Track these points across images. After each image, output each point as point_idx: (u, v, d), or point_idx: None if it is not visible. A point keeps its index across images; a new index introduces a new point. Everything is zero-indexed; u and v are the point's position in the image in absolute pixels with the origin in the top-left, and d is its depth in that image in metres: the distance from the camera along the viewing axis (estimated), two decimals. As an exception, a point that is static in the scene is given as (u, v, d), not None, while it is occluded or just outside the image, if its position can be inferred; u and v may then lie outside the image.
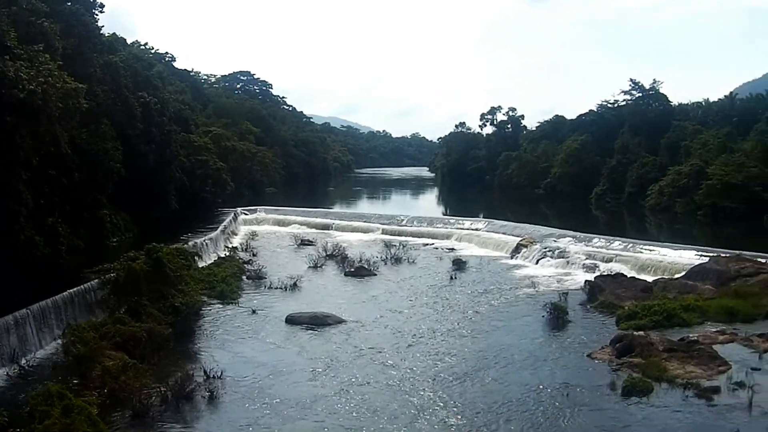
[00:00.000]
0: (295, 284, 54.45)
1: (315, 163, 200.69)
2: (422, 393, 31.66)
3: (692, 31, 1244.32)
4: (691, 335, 40.54)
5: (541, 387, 32.84)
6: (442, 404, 30.35)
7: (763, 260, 55.75)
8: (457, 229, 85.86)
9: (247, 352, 38.36)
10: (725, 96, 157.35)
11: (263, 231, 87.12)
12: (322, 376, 34.11)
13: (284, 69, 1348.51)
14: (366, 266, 61.79)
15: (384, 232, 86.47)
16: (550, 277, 60.63)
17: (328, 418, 29.04)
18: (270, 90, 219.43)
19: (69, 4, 59.62)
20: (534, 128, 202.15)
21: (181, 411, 29.70)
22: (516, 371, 35.27)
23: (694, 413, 29.82)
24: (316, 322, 43.74)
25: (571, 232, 74.92)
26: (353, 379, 33.49)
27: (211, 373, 33.24)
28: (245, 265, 61.83)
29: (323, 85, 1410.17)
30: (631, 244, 68.14)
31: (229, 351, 38.46)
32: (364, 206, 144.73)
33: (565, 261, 65.55)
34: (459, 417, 29.06)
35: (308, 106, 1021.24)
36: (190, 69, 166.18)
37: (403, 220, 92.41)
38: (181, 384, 30.78)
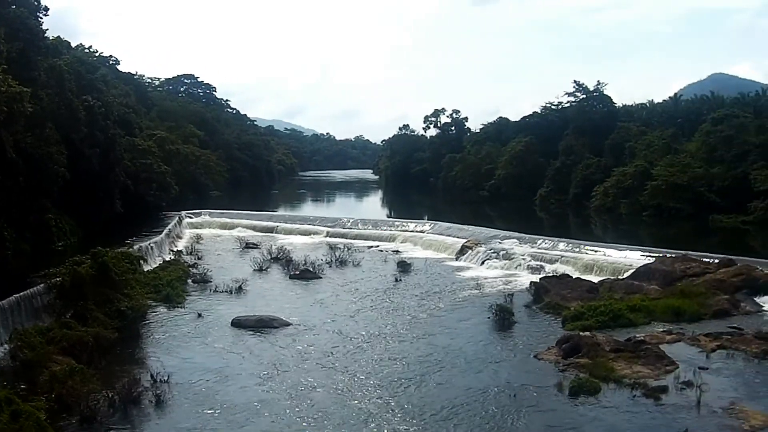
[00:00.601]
0: (240, 287, 54.08)
1: (259, 166, 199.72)
2: (370, 398, 31.30)
3: (637, 32, 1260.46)
4: (637, 335, 40.76)
5: (488, 389, 32.64)
6: (390, 409, 29.98)
7: (709, 260, 56.44)
8: (402, 231, 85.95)
9: (194, 356, 37.98)
10: (670, 97, 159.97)
11: (208, 234, 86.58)
12: (268, 380, 33.71)
13: (228, 72, 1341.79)
14: (311, 269, 61.62)
15: (329, 234, 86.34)
16: (495, 278, 60.59)
17: (275, 424, 28.68)
18: (214, 93, 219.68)
19: (14, 7, 59.16)
20: (478, 130, 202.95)
21: (128, 415, 29.46)
22: (463, 374, 35.06)
23: (642, 413, 29.82)
24: (262, 325, 43.57)
25: (516, 234, 75.20)
26: (300, 384, 33.07)
27: (158, 377, 32.95)
28: (190, 269, 61.46)
29: (267, 88, 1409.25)
30: (576, 245, 68.61)
31: (176, 355, 38.12)
32: (309, 209, 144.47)
33: (510, 262, 65.53)
34: (407, 422, 28.66)
35: (252, 109, 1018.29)
36: (134, 72, 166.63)
37: (347, 222, 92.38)
38: (129, 388, 30.58)
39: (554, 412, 30.21)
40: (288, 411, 29.79)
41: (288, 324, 44.04)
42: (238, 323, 43.93)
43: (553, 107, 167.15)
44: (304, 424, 28.61)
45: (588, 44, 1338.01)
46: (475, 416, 29.34)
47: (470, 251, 70.68)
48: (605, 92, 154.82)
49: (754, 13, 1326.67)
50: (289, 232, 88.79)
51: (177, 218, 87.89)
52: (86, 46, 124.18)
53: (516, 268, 64.17)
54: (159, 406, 30.34)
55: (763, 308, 48.74)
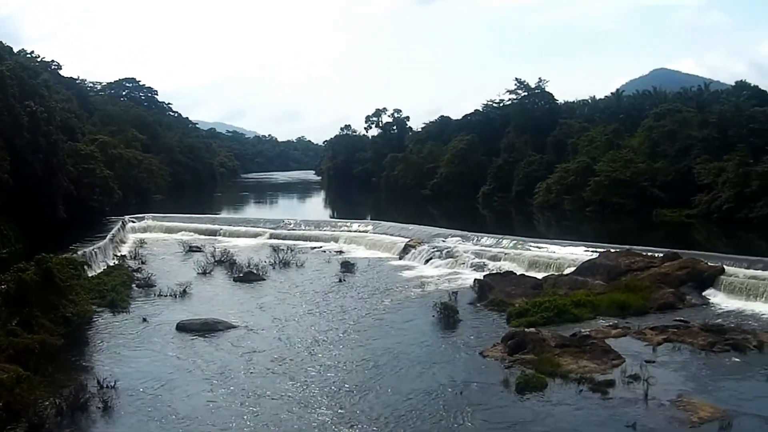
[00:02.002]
0: (184, 291, 53.65)
1: (201, 169, 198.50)
2: (317, 405, 30.89)
3: (578, 30, 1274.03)
4: (583, 330, 41.13)
5: (435, 389, 32.55)
6: (338, 415, 29.63)
7: (654, 254, 56.98)
8: (345, 231, 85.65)
9: (140, 361, 37.51)
10: (612, 93, 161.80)
11: (151, 238, 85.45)
12: (215, 387, 33.27)
13: (169, 75, 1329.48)
14: (255, 271, 61.35)
15: (272, 236, 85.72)
16: (439, 277, 60.61)
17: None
18: (155, 96, 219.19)
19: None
20: (420, 129, 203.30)
21: (76, 422, 29.03)
22: (410, 374, 34.90)
23: (590, 407, 29.99)
24: (207, 328, 43.24)
25: (459, 232, 75.49)
26: (246, 390, 32.65)
27: (105, 384, 32.53)
28: (134, 273, 60.80)
29: (208, 91, 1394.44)
30: (519, 242, 68.84)
31: (122, 360, 37.62)
32: (252, 211, 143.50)
33: (453, 261, 65.53)
34: (355, 426, 28.41)
35: (194, 112, 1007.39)
36: (76, 77, 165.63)
37: (290, 223, 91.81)
38: (76, 395, 30.22)
39: (502, 408, 30.20)
40: (234, 418, 29.37)
41: (233, 327, 43.76)
42: (183, 327, 43.51)
43: (494, 105, 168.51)
44: (249, 429, 28.30)
45: (530, 42, 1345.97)
46: (423, 418, 29.15)
47: (413, 250, 70.61)
48: (547, 89, 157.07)
49: (697, 9, 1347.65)
50: (233, 235, 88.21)
51: (120, 223, 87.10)
52: (28, 52, 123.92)
53: (459, 266, 64.22)
54: (106, 413, 30.00)
55: (709, 301, 49.45)
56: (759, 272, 51.23)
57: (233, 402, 31.17)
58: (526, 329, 39.80)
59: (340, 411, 29.96)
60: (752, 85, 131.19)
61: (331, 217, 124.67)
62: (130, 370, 35.81)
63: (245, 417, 29.39)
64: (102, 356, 38.67)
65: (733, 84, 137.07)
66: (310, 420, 29.07)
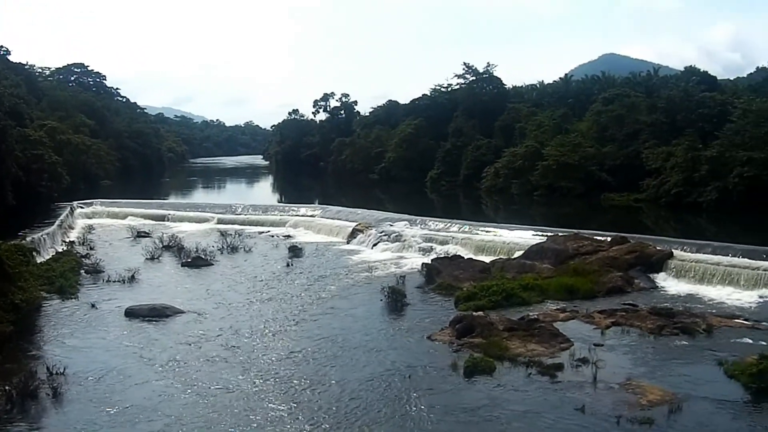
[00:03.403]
0: (133, 277, 53.33)
1: (149, 154, 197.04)
2: (266, 393, 30.42)
3: (528, 14, 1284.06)
4: (531, 314, 41.21)
5: (384, 375, 32.35)
6: (285, 402, 29.22)
7: (601, 238, 57.29)
8: (293, 215, 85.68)
9: (89, 347, 37.08)
10: (560, 78, 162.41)
11: (100, 224, 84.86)
12: (166, 374, 32.80)
13: (117, 60, 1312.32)
14: (203, 256, 61.11)
15: (220, 221, 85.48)
16: (386, 261, 60.60)
17: (173, 420, 27.86)
18: (104, 82, 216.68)
19: None
20: (367, 114, 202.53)
21: (26, 409, 28.65)
22: (358, 359, 34.67)
23: (539, 390, 29.98)
24: (155, 314, 42.97)
25: (407, 216, 75.38)
26: (197, 379, 32.03)
27: (54, 370, 32.17)
28: (83, 259, 60.24)
29: (156, 76, 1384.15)
30: (467, 226, 68.93)
31: (71, 346, 37.21)
32: (200, 196, 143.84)
33: (401, 245, 65.51)
34: (307, 417, 28.02)
35: (142, 97, 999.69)
36: (24, 62, 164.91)
37: (238, 208, 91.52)
38: (25, 382, 29.86)
39: (450, 393, 30.08)
40: (187, 408, 28.88)
41: (181, 312, 43.51)
42: (131, 313, 43.23)
43: (442, 89, 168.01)
44: (199, 421, 27.81)
45: (480, 27, 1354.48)
46: (373, 404, 28.86)
47: (361, 234, 70.61)
48: (495, 74, 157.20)
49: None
50: (181, 220, 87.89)
51: (69, 209, 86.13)
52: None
53: (407, 250, 64.29)
54: (56, 400, 29.66)
55: (657, 285, 49.84)
56: (707, 256, 51.77)
57: (185, 392, 30.67)
58: (474, 313, 39.70)
59: (291, 401, 29.41)
60: (702, 70, 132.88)
61: (279, 202, 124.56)
62: (79, 356, 35.42)
63: (198, 407, 28.89)
64: (51, 343, 38.22)
65: (683, 69, 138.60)
66: (258, 408, 28.61)
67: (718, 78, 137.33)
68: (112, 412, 28.44)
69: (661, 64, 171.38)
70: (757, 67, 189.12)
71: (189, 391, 30.70)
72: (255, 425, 27.34)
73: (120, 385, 31.33)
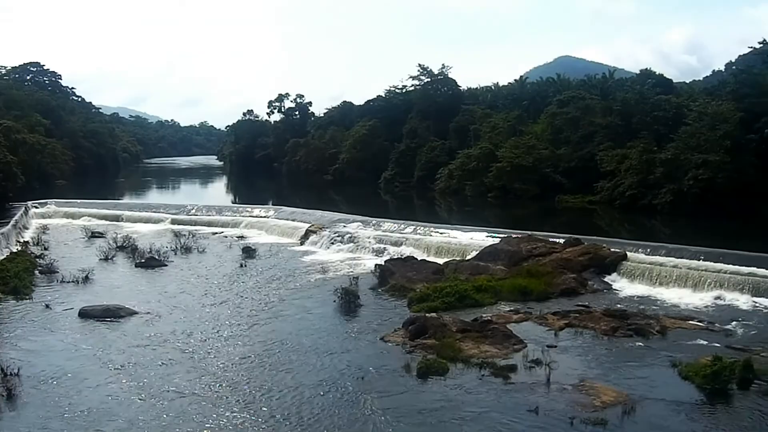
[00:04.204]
0: (87, 277, 52.92)
1: (104, 154, 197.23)
2: (219, 396, 30.06)
3: (484, 16, 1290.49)
4: (484, 315, 41.24)
5: (337, 376, 32.19)
6: (240, 408, 28.72)
7: (555, 240, 57.52)
8: (247, 216, 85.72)
9: (43, 348, 36.63)
10: (515, 80, 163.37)
11: (54, 224, 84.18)
12: (120, 377, 32.27)
13: (72, 60, 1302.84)
14: (156, 257, 60.99)
15: (173, 221, 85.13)
16: (340, 262, 60.55)
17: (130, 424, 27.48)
18: (59, 81, 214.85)
19: None
20: (322, 115, 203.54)
21: None
22: (310, 361, 34.40)
23: (492, 392, 29.90)
24: (109, 315, 42.66)
25: (361, 217, 75.49)
26: (152, 383, 31.49)
27: (8, 371, 31.74)
28: (37, 260, 59.83)
29: (112, 75, 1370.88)
30: (421, 228, 69.17)
31: (25, 347, 36.67)
32: (154, 196, 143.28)
33: (354, 246, 65.50)
34: (260, 421, 27.58)
35: (97, 97, 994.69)
36: None
37: (192, 209, 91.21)
38: None
39: (403, 394, 29.94)
40: (142, 413, 28.37)
41: (135, 313, 43.22)
42: (85, 314, 42.87)
43: (397, 91, 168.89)
44: (155, 425, 27.33)
45: (435, 28, 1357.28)
46: (327, 408, 28.50)
47: (314, 235, 70.38)
48: (450, 75, 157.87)
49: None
50: (135, 220, 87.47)
51: (23, 209, 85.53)
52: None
53: (361, 251, 64.34)
54: (10, 401, 29.23)
55: (611, 287, 50.08)
56: (662, 258, 52.34)
57: (140, 395, 30.18)
58: (427, 314, 39.66)
59: (246, 407, 28.87)
60: (657, 73, 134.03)
61: (233, 203, 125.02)
62: (34, 357, 34.91)
63: (153, 412, 28.43)
64: (5, 344, 37.56)
65: (638, 72, 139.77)
66: (217, 417, 28.10)
67: (674, 81, 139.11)
68: (66, 415, 28.04)
69: (617, 66, 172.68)
70: (713, 71, 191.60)
71: (144, 394, 30.26)
72: (201, 419, 27.21)
73: (75, 388, 30.92)
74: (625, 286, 50.09)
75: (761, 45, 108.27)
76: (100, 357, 35.20)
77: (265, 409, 28.64)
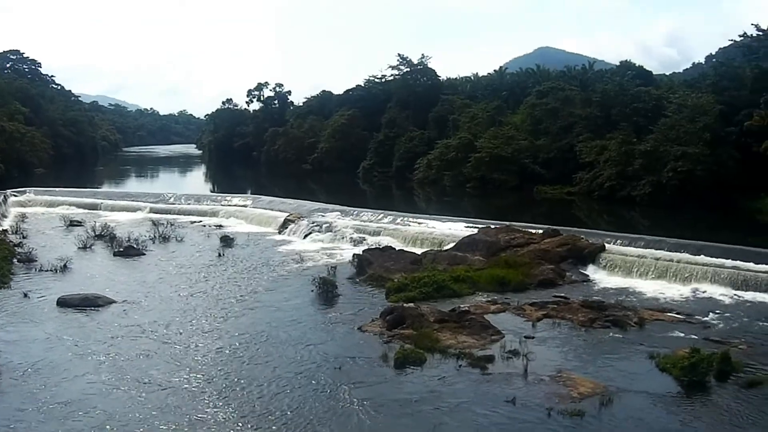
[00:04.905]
0: (65, 266, 52.65)
1: (84, 142, 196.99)
2: (198, 388, 29.83)
3: (464, 6, 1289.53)
4: (462, 306, 41.07)
5: (315, 366, 32.11)
6: (218, 400, 28.56)
7: (534, 231, 57.55)
8: (225, 205, 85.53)
9: (22, 338, 36.35)
10: (495, 71, 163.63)
11: (33, 213, 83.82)
12: (99, 368, 31.97)
13: (52, 48, 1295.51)
14: (135, 245, 60.57)
15: (152, 210, 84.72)
16: (318, 251, 60.41)
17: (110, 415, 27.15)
18: (39, 69, 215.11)
19: None
20: (301, 104, 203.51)
21: None
22: (288, 352, 34.23)
23: (469, 382, 29.91)
24: (88, 303, 42.47)
25: (339, 207, 75.45)
26: (132, 374, 31.12)
27: None
28: (16, 248, 59.40)
29: (92, 64, 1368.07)
30: (399, 217, 69.15)
31: (3, 336, 36.41)
32: (133, 185, 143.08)
33: (333, 235, 65.43)
34: (238, 413, 27.42)
35: (77, 85, 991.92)
36: None
37: (170, 198, 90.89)
38: None
39: (381, 384, 29.93)
40: (122, 405, 28.08)
41: (113, 302, 42.98)
42: (63, 302, 42.64)
43: (376, 81, 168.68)
44: (134, 418, 27.08)
45: (417, 19, 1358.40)
46: (305, 400, 28.32)
47: (293, 225, 70.27)
48: (430, 65, 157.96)
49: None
50: (113, 209, 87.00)
51: (2, 197, 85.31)
52: None
53: (339, 240, 64.22)
54: None
55: (589, 278, 50.11)
56: (640, 250, 52.38)
57: (118, 387, 29.90)
58: (404, 304, 39.59)
59: (225, 399, 28.67)
60: (637, 65, 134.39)
61: (211, 192, 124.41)
62: (12, 347, 34.66)
63: (132, 404, 28.15)
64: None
65: (618, 64, 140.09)
66: (195, 410, 27.85)
67: (654, 73, 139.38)
68: (45, 407, 27.74)
69: (598, 58, 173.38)
70: (693, 63, 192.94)
71: (123, 386, 29.96)
72: (189, 424, 26.76)
73: (53, 379, 30.64)
74: (603, 278, 50.12)
75: (742, 38, 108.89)
76: (78, 347, 34.95)
77: (243, 402, 28.41)
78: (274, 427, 26.26)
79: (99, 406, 27.87)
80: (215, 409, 27.73)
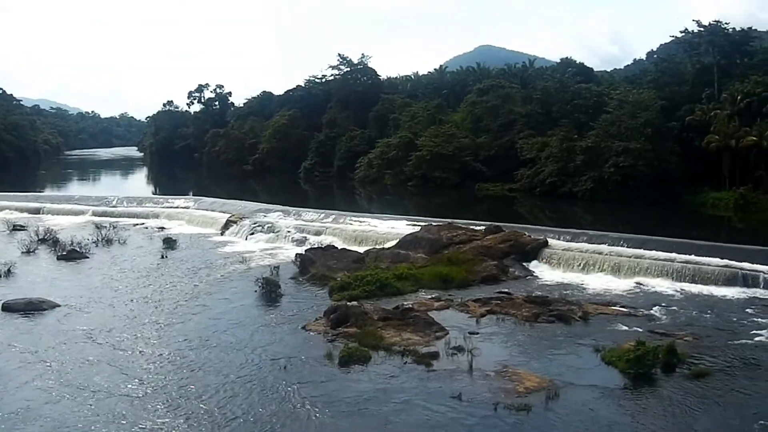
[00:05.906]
0: (9, 270, 52.07)
1: (25, 146, 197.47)
2: (146, 394, 29.24)
3: (404, 4, 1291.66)
4: (405, 303, 41.09)
5: (258, 364, 32.03)
6: (166, 407, 27.98)
7: (476, 228, 57.73)
8: (167, 207, 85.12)
9: None
10: (435, 69, 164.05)
11: None
12: (46, 376, 31.29)
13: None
14: (78, 249, 60.06)
15: (95, 213, 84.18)
16: (260, 252, 60.33)
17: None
18: None
19: None
20: (242, 105, 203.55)
21: None
22: (233, 355, 33.83)
23: (415, 379, 29.77)
24: (32, 308, 42.07)
25: (281, 207, 75.54)
26: (79, 382, 30.43)
27: None
28: None
29: (32, 67, 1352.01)
30: (341, 217, 69.31)
31: None
32: (75, 188, 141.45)
33: (275, 235, 65.32)
34: (186, 418, 26.88)
35: (18, 89, 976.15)
36: None
37: (113, 200, 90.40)
38: None
39: (326, 382, 29.69)
40: (70, 414, 27.48)
41: (58, 305, 42.53)
42: (8, 307, 42.18)
43: (317, 80, 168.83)
44: (82, 426, 26.48)
45: (357, 18, 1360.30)
46: (252, 403, 27.99)
47: (235, 225, 69.97)
48: (370, 65, 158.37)
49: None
50: (56, 213, 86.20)
51: None
52: None
53: (281, 240, 64.13)
54: None
55: (533, 273, 50.37)
56: (583, 245, 52.90)
57: (66, 394, 29.30)
58: (348, 303, 39.50)
59: (172, 405, 28.11)
60: (578, 62, 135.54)
61: (153, 194, 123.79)
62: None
63: (81, 412, 27.59)
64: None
65: (559, 61, 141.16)
66: (143, 418, 27.22)
67: (596, 70, 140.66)
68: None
69: (539, 56, 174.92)
70: (634, 59, 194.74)
71: (70, 394, 29.39)
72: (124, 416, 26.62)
73: (2, 389, 29.95)
74: (546, 273, 50.38)
75: (683, 34, 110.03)
76: (24, 353, 34.36)
77: (192, 406, 27.98)
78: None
79: (47, 413, 27.36)
80: (164, 418, 27.21)
